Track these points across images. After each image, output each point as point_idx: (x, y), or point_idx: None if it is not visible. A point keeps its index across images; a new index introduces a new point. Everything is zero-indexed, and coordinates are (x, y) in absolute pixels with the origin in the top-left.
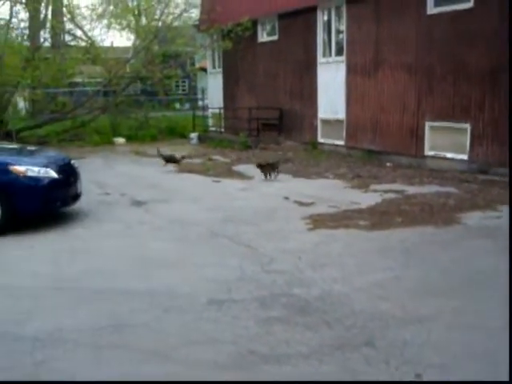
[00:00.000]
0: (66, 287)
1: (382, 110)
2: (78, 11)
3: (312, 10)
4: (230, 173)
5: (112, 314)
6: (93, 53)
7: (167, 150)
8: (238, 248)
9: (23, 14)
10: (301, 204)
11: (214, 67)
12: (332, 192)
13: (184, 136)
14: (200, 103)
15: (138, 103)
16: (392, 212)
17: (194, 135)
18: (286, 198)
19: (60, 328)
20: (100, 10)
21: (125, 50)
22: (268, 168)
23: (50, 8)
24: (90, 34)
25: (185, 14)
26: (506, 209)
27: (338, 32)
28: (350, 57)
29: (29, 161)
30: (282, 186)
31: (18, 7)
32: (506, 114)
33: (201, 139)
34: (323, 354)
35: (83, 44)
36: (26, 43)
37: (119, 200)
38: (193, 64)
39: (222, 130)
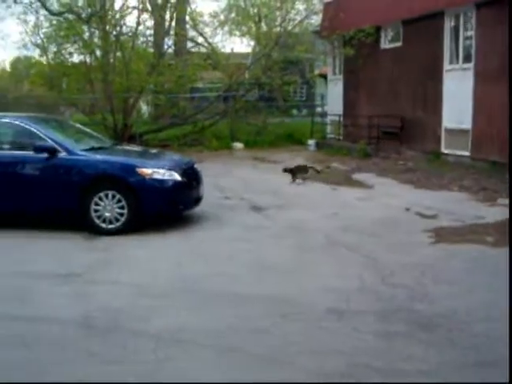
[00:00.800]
0: (187, 288)
1: None
2: (200, 18)
3: (439, 16)
4: (349, 181)
5: (231, 317)
6: (214, 59)
7: (286, 157)
8: (358, 258)
9: (149, 22)
10: (423, 216)
11: (334, 74)
12: (456, 205)
13: (301, 142)
14: (318, 110)
15: (256, 109)
16: None
17: (312, 142)
18: (407, 210)
19: (182, 328)
20: (222, 17)
21: (244, 55)
22: (296, 172)
23: (174, 15)
24: (211, 40)
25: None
26: None
27: (466, 38)
28: (479, 64)
29: (154, 163)
30: (402, 196)
31: (145, 15)
32: None
33: (319, 146)
34: (446, 373)
35: (204, 50)
36: (151, 50)
37: (238, 204)
38: (312, 70)
39: (341, 137)
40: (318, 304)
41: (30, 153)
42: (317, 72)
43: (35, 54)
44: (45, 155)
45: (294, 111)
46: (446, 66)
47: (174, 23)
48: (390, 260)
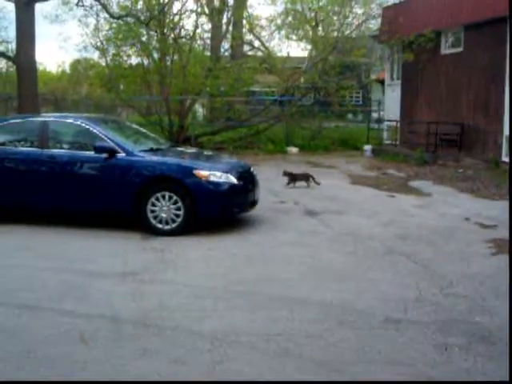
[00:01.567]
0: (242, 291)
1: None
2: (257, 22)
3: (502, 21)
4: (405, 188)
5: (286, 321)
6: (270, 63)
7: (341, 163)
8: (415, 267)
9: (206, 26)
10: (483, 226)
11: (392, 79)
12: None
13: (357, 148)
14: (375, 115)
15: (311, 113)
16: None
17: (368, 147)
18: (467, 219)
19: (236, 330)
20: (279, 21)
21: (300, 60)
22: (296, 178)
23: (232, 19)
24: (267, 44)
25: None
26: None
27: None
28: None
29: (211, 166)
30: (461, 205)
31: (203, 19)
32: None
33: (375, 152)
34: None
35: (260, 54)
36: (208, 53)
37: (293, 209)
38: (368, 75)
39: (398, 143)
40: (375, 312)
41: (90, 153)
42: (373, 77)
43: (94, 56)
44: (104, 155)
45: (350, 116)
46: (509, 72)
47: (231, 27)
48: (448, 270)
